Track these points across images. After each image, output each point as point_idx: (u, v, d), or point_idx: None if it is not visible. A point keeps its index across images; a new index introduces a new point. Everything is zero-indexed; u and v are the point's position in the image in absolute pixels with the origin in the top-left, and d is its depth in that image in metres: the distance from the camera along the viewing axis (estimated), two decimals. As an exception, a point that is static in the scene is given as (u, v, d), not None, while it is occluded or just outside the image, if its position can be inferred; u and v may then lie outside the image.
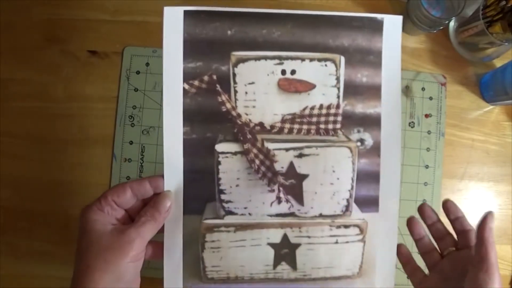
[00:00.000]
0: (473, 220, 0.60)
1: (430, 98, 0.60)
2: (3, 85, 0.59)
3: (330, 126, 0.40)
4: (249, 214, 0.40)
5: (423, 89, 0.61)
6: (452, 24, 0.61)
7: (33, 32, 0.60)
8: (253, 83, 0.39)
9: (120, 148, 0.58)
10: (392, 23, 0.40)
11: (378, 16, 0.40)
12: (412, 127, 0.60)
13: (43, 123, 0.59)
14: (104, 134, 0.59)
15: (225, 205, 0.39)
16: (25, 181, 0.58)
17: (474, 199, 0.60)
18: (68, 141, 0.59)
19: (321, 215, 0.40)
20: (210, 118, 0.39)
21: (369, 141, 0.40)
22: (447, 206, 0.40)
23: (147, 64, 0.59)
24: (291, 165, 0.39)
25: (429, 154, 0.60)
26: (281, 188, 0.39)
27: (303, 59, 0.39)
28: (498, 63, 0.62)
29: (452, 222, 0.41)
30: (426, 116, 0.60)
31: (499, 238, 0.60)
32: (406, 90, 0.60)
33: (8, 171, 0.58)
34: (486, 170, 0.61)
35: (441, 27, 0.59)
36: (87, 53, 0.60)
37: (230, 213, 0.40)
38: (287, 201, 0.40)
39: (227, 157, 0.39)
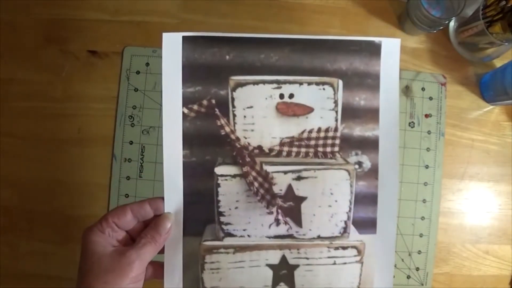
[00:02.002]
0: (473, 220, 0.60)
1: (430, 98, 0.60)
2: (3, 85, 0.59)
3: (328, 149, 0.40)
4: (248, 236, 0.40)
5: (423, 89, 0.61)
6: (452, 24, 0.61)
7: (33, 32, 0.60)
8: (251, 107, 0.40)
9: (120, 148, 0.58)
10: (390, 46, 0.40)
11: (376, 39, 0.40)
12: (412, 127, 0.60)
13: (43, 123, 0.59)
14: (104, 134, 0.59)
15: (224, 227, 0.40)
16: (25, 181, 0.58)
17: (474, 199, 0.60)
18: (68, 141, 0.59)
19: (319, 237, 0.41)
20: (209, 141, 0.40)
21: (367, 164, 0.41)
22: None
23: (147, 64, 0.59)
24: (290, 188, 0.40)
25: (429, 154, 0.60)
26: (279, 210, 0.40)
27: (301, 83, 0.40)
28: (498, 63, 0.62)
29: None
30: (426, 116, 0.60)
31: (499, 238, 0.60)
32: (406, 90, 0.60)
33: (8, 171, 0.58)
34: (486, 170, 0.61)
35: (441, 27, 0.59)
36: (87, 53, 0.60)
37: (229, 235, 0.40)
38: (286, 223, 0.40)
39: (226, 179, 0.39)
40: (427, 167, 0.60)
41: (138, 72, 0.59)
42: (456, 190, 0.60)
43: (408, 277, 0.59)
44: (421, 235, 0.59)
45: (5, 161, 0.58)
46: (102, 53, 0.60)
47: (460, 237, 0.60)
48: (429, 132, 0.60)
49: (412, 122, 0.60)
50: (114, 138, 0.58)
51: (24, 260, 0.58)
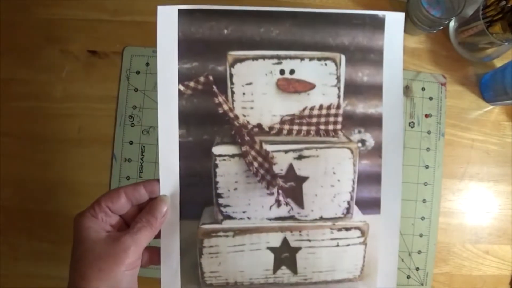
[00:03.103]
0: (473, 220, 0.60)
1: (430, 98, 0.60)
2: (3, 85, 0.59)
3: (330, 127, 0.39)
4: (248, 218, 0.39)
5: (423, 89, 0.61)
6: (452, 24, 0.61)
7: (33, 32, 0.60)
8: (251, 83, 0.38)
9: (120, 148, 0.58)
10: (394, 20, 0.39)
11: (380, 13, 0.39)
12: (412, 127, 0.60)
13: (43, 123, 0.59)
14: (104, 134, 0.59)
15: (223, 209, 0.39)
16: (25, 181, 0.58)
17: (474, 199, 0.60)
18: (68, 141, 0.59)
19: (321, 218, 0.39)
20: (207, 120, 0.38)
21: (370, 142, 0.39)
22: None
23: (147, 64, 0.59)
24: (291, 167, 0.38)
25: (429, 154, 0.60)
26: (280, 191, 0.39)
27: (302, 58, 0.38)
28: (498, 63, 0.61)
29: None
30: (426, 116, 0.60)
31: (499, 238, 0.60)
32: (406, 90, 0.60)
33: (8, 171, 0.58)
34: (486, 170, 0.61)
35: (441, 27, 0.59)
36: (87, 53, 0.60)
37: (229, 217, 0.39)
38: (287, 204, 0.39)
39: (224, 160, 0.38)
40: (427, 167, 0.60)
41: (138, 72, 0.59)
42: (456, 190, 0.60)
43: (408, 277, 0.59)
44: (421, 235, 0.59)
45: (5, 161, 0.58)
46: (102, 53, 0.60)
47: (460, 237, 0.60)
48: (429, 132, 0.60)
49: (412, 122, 0.60)
50: (114, 138, 0.58)
51: (24, 260, 0.58)
